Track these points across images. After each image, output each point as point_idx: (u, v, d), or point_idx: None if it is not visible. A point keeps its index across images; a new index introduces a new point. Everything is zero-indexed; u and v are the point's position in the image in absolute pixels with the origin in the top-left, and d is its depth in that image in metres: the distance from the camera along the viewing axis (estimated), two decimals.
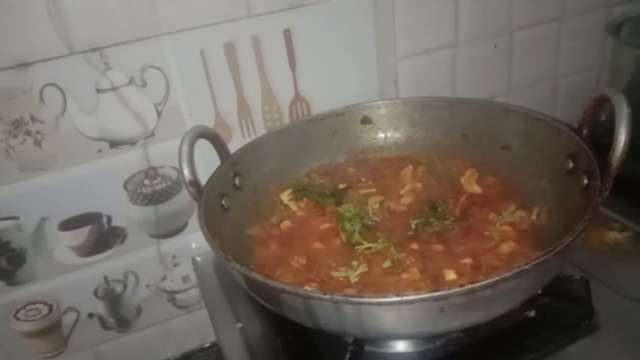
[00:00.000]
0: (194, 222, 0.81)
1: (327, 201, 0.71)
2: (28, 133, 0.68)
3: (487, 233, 0.63)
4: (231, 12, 0.72)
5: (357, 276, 0.58)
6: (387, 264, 0.59)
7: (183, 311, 0.88)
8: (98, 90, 0.70)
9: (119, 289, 0.81)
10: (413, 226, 0.65)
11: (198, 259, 0.82)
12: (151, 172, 0.77)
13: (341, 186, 0.74)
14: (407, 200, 0.70)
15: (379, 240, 0.62)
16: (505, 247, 0.60)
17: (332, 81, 0.82)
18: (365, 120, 0.80)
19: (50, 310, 0.78)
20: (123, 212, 0.77)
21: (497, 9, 0.89)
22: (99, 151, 0.72)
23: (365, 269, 0.59)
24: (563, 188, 0.62)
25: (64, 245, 0.75)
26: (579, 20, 0.97)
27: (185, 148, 0.62)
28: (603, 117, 0.83)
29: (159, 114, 0.74)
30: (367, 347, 0.57)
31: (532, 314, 0.59)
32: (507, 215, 0.65)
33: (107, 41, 0.67)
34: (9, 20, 0.62)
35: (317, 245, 0.65)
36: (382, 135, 0.81)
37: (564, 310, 0.60)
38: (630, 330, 0.59)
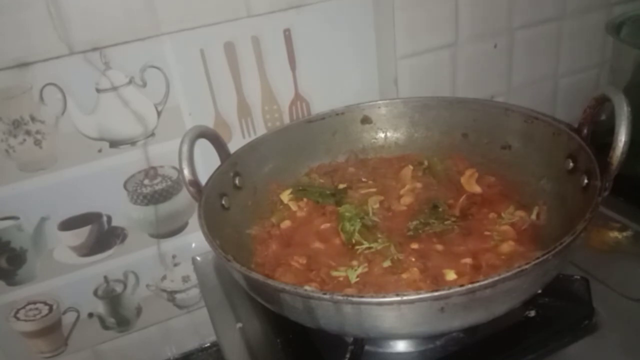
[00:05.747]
0: (194, 222, 0.81)
1: (327, 201, 0.71)
2: (28, 133, 0.68)
3: (487, 233, 0.63)
4: (231, 12, 0.72)
5: (357, 276, 0.58)
6: (387, 263, 0.59)
7: (183, 311, 0.88)
8: (98, 90, 0.70)
9: (119, 288, 0.81)
10: (413, 226, 0.65)
11: (198, 259, 0.82)
12: (151, 172, 0.77)
13: (341, 186, 0.74)
14: (407, 200, 0.70)
15: (379, 240, 0.62)
16: (505, 247, 0.60)
17: (332, 81, 0.82)
18: (365, 120, 0.80)
19: (50, 310, 0.78)
20: (123, 212, 0.77)
21: (497, 9, 0.89)
22: (99, 151, 0.72)
23: (366, 269, 0.59)
24: (563, 188, 0.62)
25: (64, 245, 0.75)
26: (579, 20, 0.97)
27: (185, 148, 0.62)
28: (603, 117, 0.82)
29: (159, 113, 0.74)
30: (367, 347, 0.57)
31: (532, 313, 0.59)
32: (507, 215, 0.65)
33: (107, 41, 0.67)
34: (9, 20, 0.62)
35: (317, 245, 0.65)
36: (382, 135, 0.81)
37: (564, 310, 0.60)
38: (630, 330, 0.59)
